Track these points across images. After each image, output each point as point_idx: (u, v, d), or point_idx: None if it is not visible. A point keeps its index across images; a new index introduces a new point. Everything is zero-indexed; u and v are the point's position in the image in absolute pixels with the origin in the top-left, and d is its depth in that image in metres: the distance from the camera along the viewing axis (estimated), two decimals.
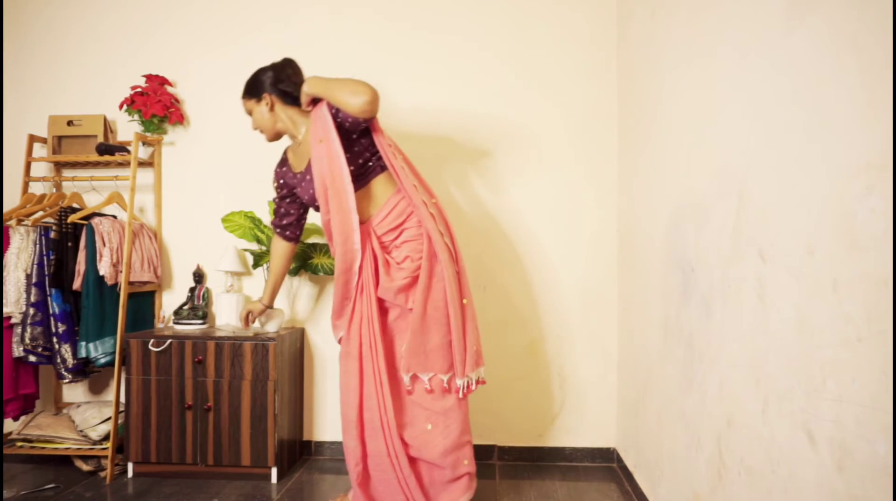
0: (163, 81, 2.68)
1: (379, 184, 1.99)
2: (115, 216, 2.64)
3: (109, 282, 2.45)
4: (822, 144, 0.99)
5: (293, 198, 2.16)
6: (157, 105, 2.60)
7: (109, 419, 2.45)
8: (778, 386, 1.11)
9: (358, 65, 2.63)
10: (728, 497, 1.35)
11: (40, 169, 2.78)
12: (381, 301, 1.94)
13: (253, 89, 2.05)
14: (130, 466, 2.40)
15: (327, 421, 2.68)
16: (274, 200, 2.21)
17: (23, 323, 2.43)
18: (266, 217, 2.64)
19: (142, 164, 2.71)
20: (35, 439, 2.43)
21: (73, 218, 2.46)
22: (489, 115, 2.64)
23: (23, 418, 2.53)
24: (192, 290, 2.65)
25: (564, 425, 2.61)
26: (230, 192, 2.71)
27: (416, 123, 2.64)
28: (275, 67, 2.05)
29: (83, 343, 2.40)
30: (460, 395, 1.91)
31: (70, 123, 2.67)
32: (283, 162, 2.14)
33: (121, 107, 2.62)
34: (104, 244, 2.45)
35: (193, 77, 2.76)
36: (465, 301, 1.96)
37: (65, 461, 2.56)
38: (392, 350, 1.95)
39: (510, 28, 2.64)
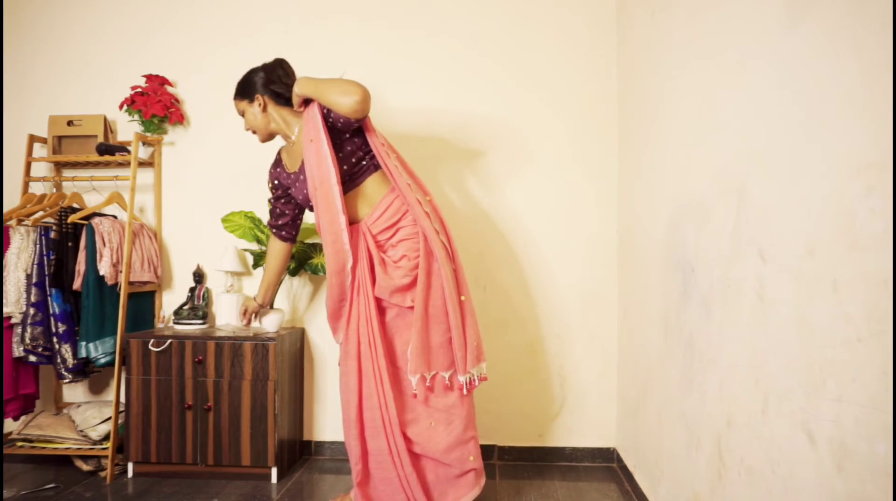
0: (163, 81, 2.68)
1: (372, 183, 1.99)
2: (115, 216, 2.64)
3: (109, 282, 2.45)
4: (821, 144, 0.99)
5: (288, 198, 2.16)
6: (157, 105, 2.60)
7: (109, 419, 2.45)
8: (778, 386, 1.11)
9: (356, 67, 2.63)
10: (728, 497, 1.35)
11: (40, 169, 2.78)
12: (378, 300, 1.94)
13: (244, 90, 2.05)
14: (130, 466, 2.40)
15: (327, 421, 2.68)
16: (269, 200, 2.21)
17: (23, 323, 2.43)
18: (266, 217, 2.64)
19: (142, 164, 2.71)
20: (35, 439, 2.43)
21: (73, 218, 2.46)
22: (488, 116, 2.64)
23: (23, 418, 2.53)
24: (192, 290, 2.65)
25: (564, 425, 2.61)
26: (230, 192, 2.72)
27: (414, 124, 2.64)
28: (266, 68, 2.04)
29: (83, 343, 2.40)
30: (464, 392, 1.92)
31: (70, 123, 2.67)
32: (278, 162, 2.14)
33: (121, 107, 2.62)
34: (104, 244, 2.45)
35: (194, 77, 2.76)
36: (462, 298, 1.96)
37: (65, 461, 2.56)
38: (392, 349, 1.94)
39: (509, 31, 2.64)
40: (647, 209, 2.10)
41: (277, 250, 2.25)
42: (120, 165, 2.71)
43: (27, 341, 2.42)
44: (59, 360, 2.44)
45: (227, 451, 2.34)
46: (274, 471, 2.37)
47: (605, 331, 2.60)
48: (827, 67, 0.98)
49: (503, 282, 2.63)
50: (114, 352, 2.45)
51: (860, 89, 0.90)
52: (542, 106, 2.63)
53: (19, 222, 2.54)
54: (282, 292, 2.69)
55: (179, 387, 2.36)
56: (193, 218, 2.75)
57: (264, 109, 2.04)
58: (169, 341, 2.36)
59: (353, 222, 1.99)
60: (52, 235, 2.47)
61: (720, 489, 1.40)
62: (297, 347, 2.59)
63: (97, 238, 2.45)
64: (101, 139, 2.65)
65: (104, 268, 2.43)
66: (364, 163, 1.98)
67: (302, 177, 2.01)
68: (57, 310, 2.46)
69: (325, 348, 2.69)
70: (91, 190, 2.75)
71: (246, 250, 2.63)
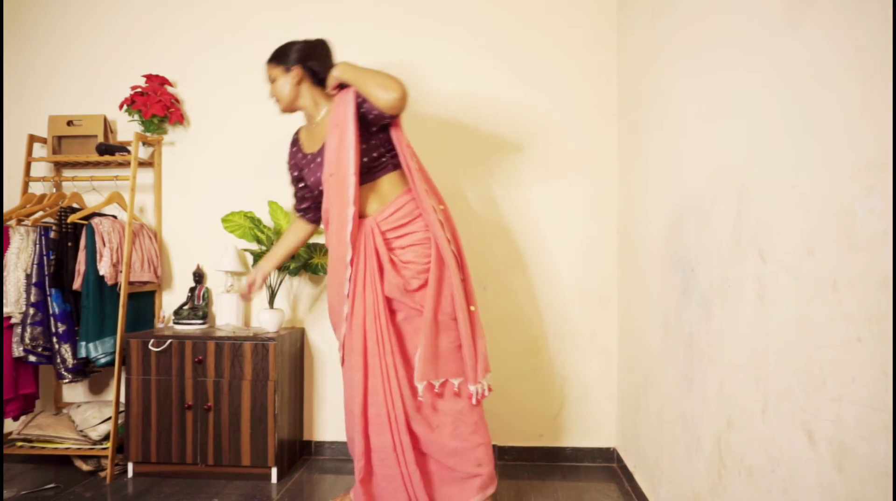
0: (163, 81, 2.68)
1: (388, 181, 1.97)
2: (115, 216, 2.64)
3: (109, 282, 2.45)
4: (821, 144, 0.99)
5: (304, 182, 2.10)
6: (157, 105, 2.60)
7: (109, 419, 2.45)
8: (778, 386, 1.11)
9: None
10: (728, 497, 1.35)
11: (40, 169, 2.78)
12: (388, 300, 1.91)
13: (282, 58, 1.99)
14: (130, 466, 2.40)
15: (327, 421, 2.68)
16: (290, 183, 2.14)
17: (23, 323, 2.43)
18: (266, 217, 2.64)
19: (142, 164, 2.71)
20: (35, 439, 2.43)
21: (73, 218, 2.46)
22: (488, 118, 2.64)
23: (23, 418, 2.53)
24: (192, 290, 2.65)
25: (565, 425, 2.61)
26: (230, 192, 2.72)
27: (414, 126, 2.64)
28: (308, 44, 2.00)
29: (83, 343, 2.40)
30: (473, 401, 1.89)
31: (70, 123, 2.67)
32: (295, 142, 2.10)
33: (121, 107, 2.62)
34: (104, 244, 2.45)
35: (194, 77, 2.76)
36: (472, 308, 1.95)
37: (65, 461, 2.56)
38: (405, 350, 1.91)
39: (510, 34, 2.64)
40: (647, 209, 2.10)
41: (298, 228, 2.19)
42: (120, 165, 2.71)
43: (27, 341, 2.42)
44: (58, 360, 2.44)
45: (227, 451, 2.34)
46: (274, 471, 2.37)
47: (605, 331, 2.60)
48: (827, 65, 0.98)
49: (503, 282, 2.63)
50: (114, 352, 2.45)
51: (860, 89, 0.89)
52: (541, 107, 2.62)
53: (19, 222, 2.54)
54: (282, 293, 2.69)
55: (179, 387, 2.36)
56: (193, 218, 2.75)
57: (298, 83, 1.99)
58: (169, 341, 2.36)
59: (361, 215, 1.95)
60: (52, 235, 2.47)
61: (720, 489, 1.40)
62: (297, 347, 2.59)
63: (97, 238, 2.45)
64: (101, 139, 2.65)
65: (104, 268, 2.43)
66: (384, 160, 1.95)
67: (319, 159, 1.96)
68: (57, 310, 2.46)
69: (325, 348, 2.69)
70: (91, 190, 2.75)
71: (246, 250, 2.63)
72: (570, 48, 2.63)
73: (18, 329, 2.44)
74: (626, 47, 2.44)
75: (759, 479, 1.19)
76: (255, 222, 2.57)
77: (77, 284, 2.45)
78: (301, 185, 2.11)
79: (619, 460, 2.50)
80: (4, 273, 2.44)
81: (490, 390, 1.95)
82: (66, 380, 2.46)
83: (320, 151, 1.97)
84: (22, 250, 2.47)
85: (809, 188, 1.02)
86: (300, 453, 2.65)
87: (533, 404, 2.61)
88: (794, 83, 1.08)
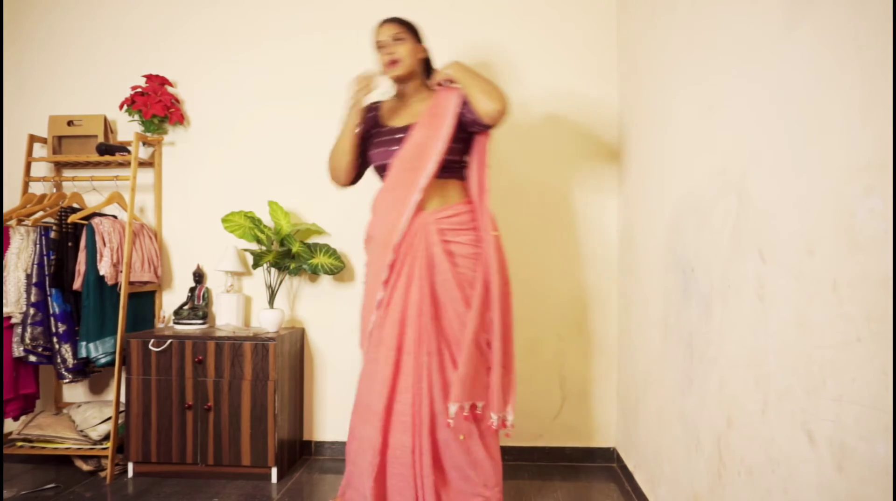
0: (163, 82, 2.68)
1: (453, 186, 1.95)
2: (115, 216, 2.64)
3: (110, 282, 2.45)
4: (821, 144, 0.99)
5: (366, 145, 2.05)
6: (157, 105, 2.60)
7: (109, 419, 2.45)
8: (778, 386, 1.11)
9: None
10: (728, 497, 1.35)
11: (40, 169, 2.78)
12: (435, 299, 1.87)
13: (415, 30, 2.00)
14: (130, 466, 2.40)
15: (327, 421, 2.68)
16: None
17: (23, 323, 2.43)
18: (266, 217, 2.64)
19: (142, 164, 2.71)
20: (35, 439, 2.43)
21: (73, 218, 2.46)
22: None
23: (23, 418, 2.53)
24: (192, 290, 2.65)
25: (565, 425, 2.61)
26: (230, 192, 2.72)
27: None
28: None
29: (83, 343, 2.40)
30: (494, 426, 1.86)
31: (70, 123, 2.67)
32: (374, 108, 2.08)
33: (121, 107, 2.63)
34: (104, 244, 2.45)
35: (194, 77, 2.76)
36: (511, 337, 1.95)
37: (65, 461, 2.56)
38: (442, 355, 1.86)
39: (510, 33, 2.64)
40: (647, 209, 2.10)
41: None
42: (120, 165, 2.71)
43: (27, 341, 2.42)
44: (59, 360, 2.44)
45: (227, 451, 2.34)
46: (274, 471, 2.37)
47: (605, 331, 2.60)
48: (827, 65, 0.98)
49: None
50: (114, 352, 2.45)
51: (860, 89, 0.90)
52: (540, 105, 2.63)
53: (19, 222, 2.54)
54: (282, 292, 2.69)
55: (179, 387, 2.36)
56: (193, 218, 2.75)
57: (419, 59, 2.01)
58: (169, 341, 2.36)
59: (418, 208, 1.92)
60: (52, 235, 2.47)
61: (720, 489, 1.40)
62: (297, 347, 2.59)
63: (97, 238, 2.45)
64: (101, 139, 2.65)
65: (104, 268, 2.43)
66: (456, 166, 1.95)
67: (399, 136, 1.93)
68: (57, 310, 2.46)
69: (325, 348, 2.69)
70: (91, 190, 2.75)
71: (246, 250, 2.63)
72: (571, 48, 2.63)
73: (19, 329, 2.44)
74: (626, 47, 2.44)
75: (759, 479, 1.19)
76: (255, 222, 2.57)
77: (77, 284, 2.45)
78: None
79: (619, 460, 2.50)
80: (5, 273, 2.44)
81: (513, 425, 1.90)
82: (67, 380, 2.46)
83: (404, 129, 1.94)
84: (22, 250, 2.47)
85: (809, 188, 1.02)
86: (300, 453, 2.65)
87: (533, 404, 2.61)
88: (793, 83, 1.08)
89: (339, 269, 2.54)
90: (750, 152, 1.25)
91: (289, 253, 2.53)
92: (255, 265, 2.54)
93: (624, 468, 2.40)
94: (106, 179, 2.66)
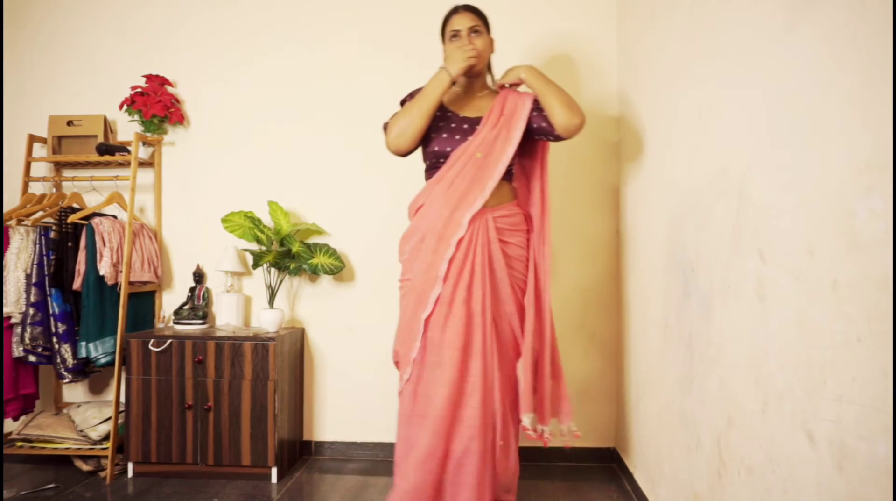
0: (163, 81, 2.68)
1: (507, 187, 1.93)
2: (115, 216, 2.64)
3: (109, 282, 2.45)
4: (821, 144, 0.99)
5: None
6: (157, 105, 2.60)
7: (109, 419, 2.45)
8: (778, 386, 1.11)
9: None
10: (728, 497, 1.35)
11: (40, 169, 2.78)
12: (497, 298, 1.82)
13: (489, 22, 1.96)
14: (130, 466, 2.40)
15: (327, 421, 2.68)
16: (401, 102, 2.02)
17: (23, 323, 2.43)
18: (266, 217, 2.64)
19: (142, 164, 2.71)
20: (35, 439, 2.43)
21: (73, 218, 2.46)
22: None
23: (23, 418, 2.53)
24: (192, 290, 2.65)
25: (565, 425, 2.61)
26: (230, 192, 2.72)
27: None
28: None
29: (83, 343, 2.40)
30: (546, 437, 1.87)
31: (70, 123, 2.67)
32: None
33: (121, 107, 2.63)
34: (104, 244, 2.45)
35: (194, 77, 2.76)
36: (557, 346, 1.96)
37: (65, 461, 2.56)
38: (503, 356, 1.83)
39: (510, 31, 2.64)
40: (648, 209, 2.10)
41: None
42: (120, 165, 2.71)
43: (27, 341, 2.42)
44: (58, 360, 2.44)
45: (227, 451, 2.34)
46: (274, 471, 2.37)
47: (605, 331, 2.60)
48: (827, 65, 0.98)
49: None
50: (114, 352, 2.45)
51: (860, 89, 0.89)
52: None
53: (19, 222, 2.54)
54: (282, 293, 2.69)
55: (179, 387, 2.36)
56: (193, 218, 2.75)
57: (491, 50, 1.97)
58: (169, 341, 2.36)
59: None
60: (52, 235, 2.47)
61: (720, 489, 1.40)
62: (297, 347, 2.59)
63: (97, 238, 2.45)
64: (101, 139, 2.65)
65: (104, 268, 2.43)
66: (513, 168, 1.95)
67: (466, 126, 1.89)
68: (57, 310, 2.46)
69: (325, 348, 2.69)
70: (91, 190, 2.75)
71: (246, 250, 2.63)
72: (571, 47, 2.63)
73: (18, 329, 2.44)
74: (626, 47, 2.44)
75: (759, 479, 1.19)
76: (255, 222, 2.57)
77: (77, 284, 2.45)
78: None
79: (619, 460, 2.50)
80: (4, 273, 2.44)
81: (577, 435, 1.91)
82: (66, 380, 2.46)
83: (472, 121, 1.90)
84: (22, 250, 2.47)
85: (809, 188, 1.02)
86: (300, 453, 2.65)
87: None
88: (793, 82, 1.08)
89: (339, 269, 2.54)
90: (750, 152, 1.25)
91: (289, 253, 2.53)
92: (255, 265, 2.54)
93: (624, 468, 2.40)
94: (106, 179, 2.66)
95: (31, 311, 2.43)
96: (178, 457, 2.36)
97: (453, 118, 1.92)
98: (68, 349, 2.45)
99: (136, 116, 2.63)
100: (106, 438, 2.42)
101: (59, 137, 2.70)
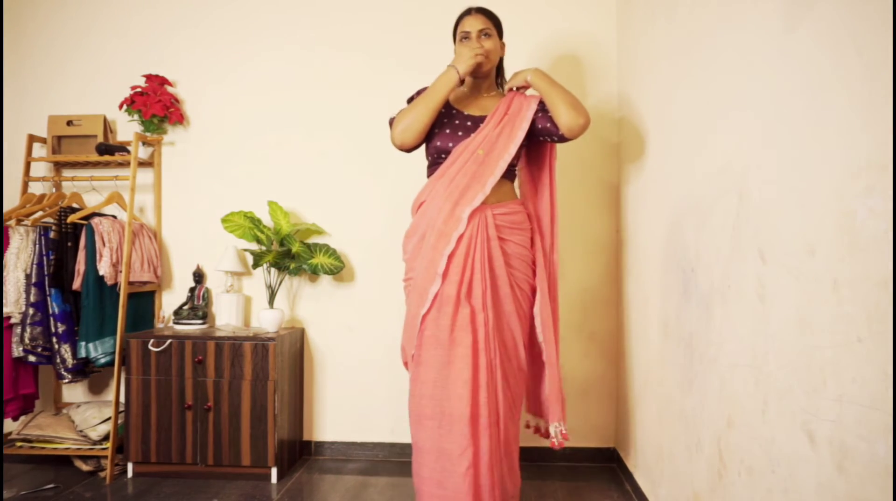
0: (163, 81, 2.68)
1: (509, 186, 1.93)
2: (115, 216, 2.64)
3: (109, 282, 2.45)
4: (822, 144, 0.99)
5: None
6: (157, 105, 2.60)
7: (109, 419, 2.45)
8: (778, 386, 1.11)
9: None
10: (728, 497, 1.35)
11: (40, 169, 2.78)
12: (497, 295, 1.82)
13: (501, 26, 1.98)
14: (130, 466, 2.40)
15: (327, 421, 2.68)
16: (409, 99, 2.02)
17: (22, 323, 2.43)
18: (266, 217, 2.64)
19: (142, 164, 2.71)
20: (35, 439, 2.42)
21: (72, 218, 2.46)
22: None
23: (22, 418, 2.53)
24: (192, 290, 2.65)
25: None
26: (230, 192, 2.72)
27: None
28: None
29: (83, 343, 2.40)
30: (555, 443, 1.88)
31: (70, 123, 2.67)
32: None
33: (121, 107, 2.62)
34: (104, 244, 2.45)
35: (193, 77, 2.76)
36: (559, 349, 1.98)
37: (65, 461, 2.56)
38: (503, 352, 1.82)
39: (510, 30, 2.64)
40: (648, 209, 2.10)
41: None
42: (120, 165, 2.71)
43: (26, 341, 2.42)
44: (58, 360, 2.44)
45: (227, 451, 2.34)
46: (274, 471, 2.37)
47: (605, 331, 2.60)
48: (827, 65, 0.98)
49: None
50: (113, 352, 2.45)
51: (860, 88, 0.89)
52: None
53: (19, 221, 2.54)
54: (282, 293, 2.69)
55: (179, 387, 2.36)
56: (193, 218, 2.75)
57: (502, 53, 1.99)
58: (169, 341, 2.36)
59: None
60: (52, 235, 2.47)
61: (720, 489, 1.40)
62: (297, 347, 2.59)
63: (97, 238, 2.45)
64: (100, 139, 2.65)
65: (104, 268, 2.43)
66: (515, 167, 1.95)
67: (469, 123, 1.90)
68: (56, 310, 2.46)
69: (325, 348, 2.69)
70: (91, 190, 2.75)
71: (246, 250, 2.63)
72: (570, 46, 2.63)
73: (18, 329, 2.44)
74: (627, 47, 2.44)
75: (759, 479, 1.19)
76: (255, 222, 2.57)
77: (77, 284, 2.45)
78: None
79: (619, 460, 2.50)
80: (4, 273, 2.44)
81: (566, 436, 1.91)
82: (66, 380, 2.46)
83: (476, 119, 1.91)
84: (21, 250, 2.47)
85: (809, 188, 1.02)
86: (300, 453, 2.65)
87: None
88: (794, 82, 1.08)
89: (338, 269, 2.54)
90: (750, 152, 1.25)
91: (289, 253, 2.53)
92: (255, 265, 2.54)
93: (624, 468, 2.40)
94: (105, 179, 2.66)
95: (31, 311, 2.43)
96: (178, 457, 2.36)
97: (458, 115, 1.93)
98: (68, 349, 2.45)
99: (136, 116, 2.63)
100: (106, 438, 2.42)
101: (59, 137, 2.70)
